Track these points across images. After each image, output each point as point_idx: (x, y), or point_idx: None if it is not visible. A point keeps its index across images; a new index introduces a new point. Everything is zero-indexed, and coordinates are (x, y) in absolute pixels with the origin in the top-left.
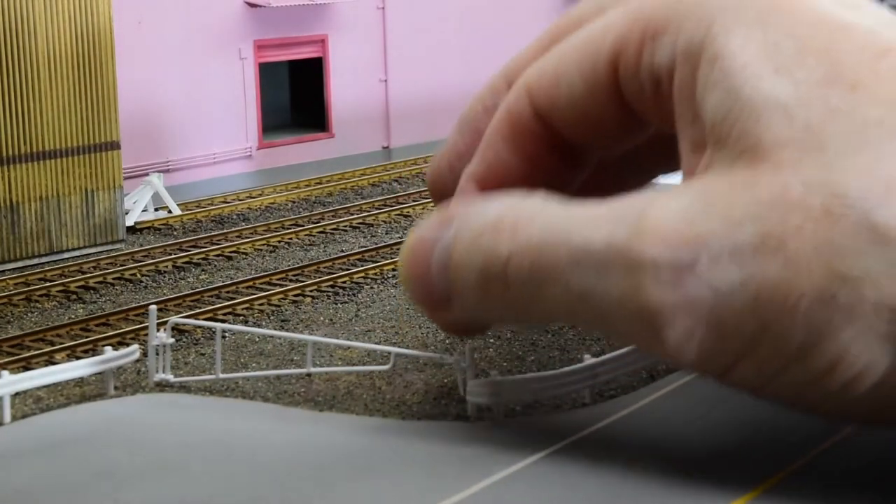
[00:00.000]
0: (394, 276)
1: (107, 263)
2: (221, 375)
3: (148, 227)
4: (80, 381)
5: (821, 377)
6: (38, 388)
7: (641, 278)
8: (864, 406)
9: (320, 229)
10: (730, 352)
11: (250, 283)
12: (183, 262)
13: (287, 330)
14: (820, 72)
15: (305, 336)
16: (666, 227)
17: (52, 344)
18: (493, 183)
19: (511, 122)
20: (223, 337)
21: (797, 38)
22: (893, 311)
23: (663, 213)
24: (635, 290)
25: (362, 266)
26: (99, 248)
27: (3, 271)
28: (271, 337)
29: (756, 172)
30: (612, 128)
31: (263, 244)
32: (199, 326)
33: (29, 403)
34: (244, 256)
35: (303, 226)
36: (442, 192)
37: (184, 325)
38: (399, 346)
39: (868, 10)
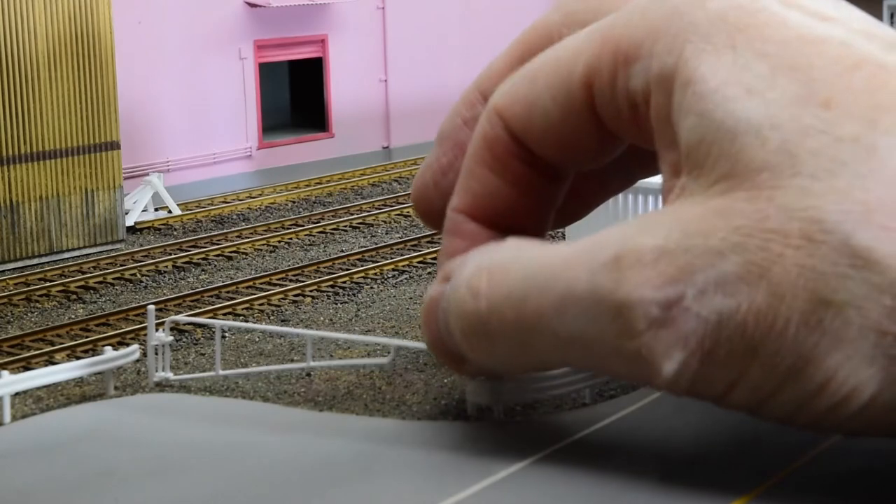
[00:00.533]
0: (394, 276)
1: (107, 263)
2: (221, 372)
3: (148, 227)
4: (80, 381)
5: (810, 399)
6: (38, 388)
7: (631, 320)
8: (855, 423)
9: (320, 229)
10: (724, 379)
11: (250, 283)
12: (183, 262)
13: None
14: (792, 90)
15: (305, 331)
16: (647, 268)
17: (52, 344)
18: (481, 212)
19: (489, 148)
20: (223, 336)
21: (768, 57)
22: (878, 333)
23: (641, 252)
24: (626, 332)
25: (362, 266)
26: (99, 248)
27: (3, 271)
28: (271, 336)
29: (731, 199)
30: (590, 147)
31: (263, 244)
32: (199, 325)
33: (29, 403)
34: (244, 256)
35: (303, 226)
36: (428, 210)
37: (183, 324)
38: (398, 346)
39: (841, 20)
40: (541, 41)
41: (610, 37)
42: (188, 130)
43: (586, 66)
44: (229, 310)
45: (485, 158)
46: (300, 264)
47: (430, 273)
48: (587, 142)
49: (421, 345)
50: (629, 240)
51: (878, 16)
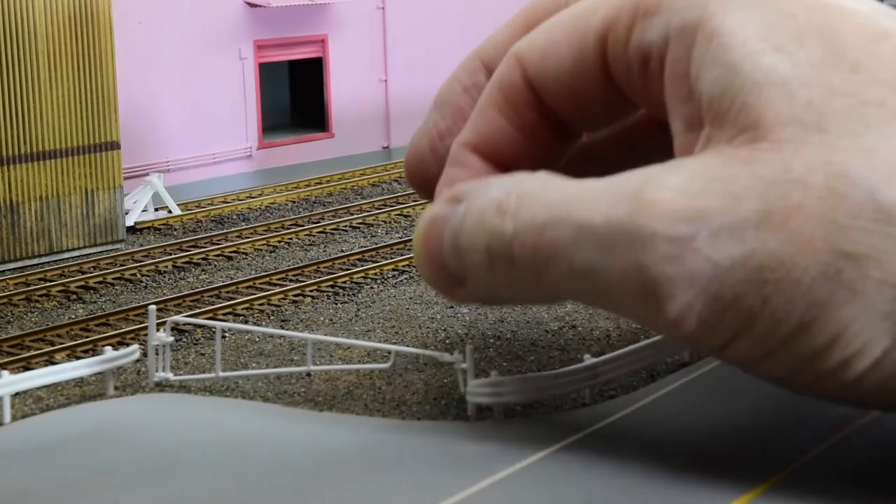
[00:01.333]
0: (394, 276)
1: (107, 263)
2: (221, 374)
3: (148, 227)
4: (80, 381)
5: (819, 354)
6: (38, 388)
7: (642, 252)
8: (860, 386)
9: (320, 229)
10: (729, 326)
11: (250, 283)
12: (183, 262)
13: (287, 330)
14: (820, 51)
15: (305, 334)
16: (665, 203)
17: (52, 344)
18: (485, 151)
19: (503, 91)
20: (223, 337)
21: (796, 18)
22: (895, 288)
23: (662, 189)
24: (636, 265)
25: (362, 266)
26: (99, 248)
27: (3, 271)
28: (271, 337)
29: (757, 149)
30: (599, 103)
31: (263, 244)
32: (199, 325)
33: (29, 403)
34: (244, 256)
35: (303, 226)
36: (424, 176)
37: (184, 324)
38: (398, 346)
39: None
40: (548, 9)
41: None
42: (188, 130)
43: (604, 17)
44: (229, 310)
45: (498, 101)
46: (300, 264)
47: None
48: (596, 97)
49: (421, 350)
50: (653, 177)
51: None
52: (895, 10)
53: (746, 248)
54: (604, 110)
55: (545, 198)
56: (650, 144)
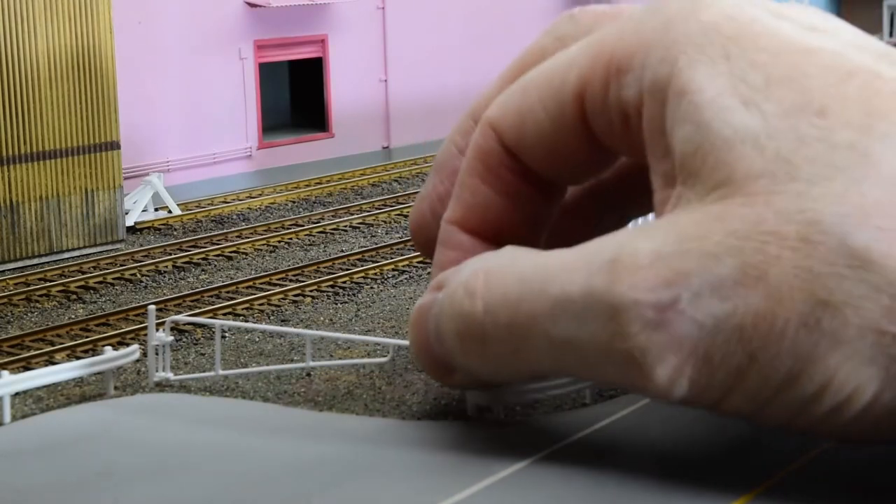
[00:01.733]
0: (394, 276)
1: (107, 263)
2: (221, 372)
3: (148, 227)
4: (80, 381)
5: (810, 402)
6: (38, 388)
7: (625, 322)
8: (856, 427)
9: (320, 229)
10: (719, 384)
11: (250, 283)
12: (183, 262)
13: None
14: (788, 100)
15: (304, 331)
16: (642, 269)
17: (52, 344)
18: (473, 224)
19: (482, 160)
20: (223, 337)
21: (763, 67)
22: (877, 333)
23: (638, 255)
24: (620, 335)
25: (362, 266)
26: (99, 248)
27: (3, 271)
28: (271, 336)
29: (728, 204)
30: (581, 159)
31: (263, 244)
32: (199, 324)
33: (29, 403)
34: (244, 256)
35: (303, 226)
36: (426, 239)
37: (184, 324)
38: (398, 346)
39: (832, 32)
40: (535, 65)
41: (603, 49)
42: (188, 130)
43: (579, 77)
44: (229, 310)
45: (478, 170)
46: (300, 264)
47: (429, 273)
48: (578, 153)
49: None
50: (626, 244)
51: (879, 16)
52: (867, 37)
53: (728, 305)
54: (586, 165)
55: (516, 272)
56: (635, 198)
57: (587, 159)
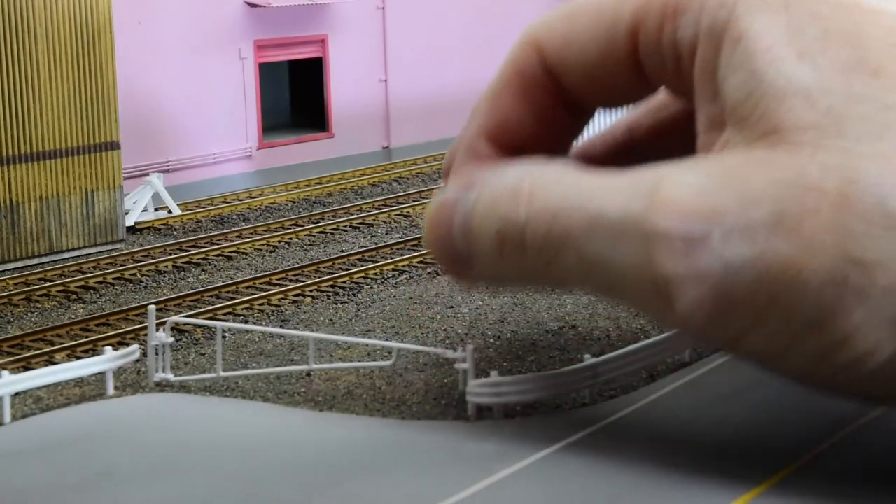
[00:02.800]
0: (394, 276)
1: (107, 263)
2: (223, 374)
3: (148, 227)
4: (80, 381)
5: (828, 354)
6: (38, 388)
7: (655, 248)
8: (872, 384)
9: (320, 229)
10: (738, 323)
11: (250, 283)
12: (183, 262)
13: (287, 329)
14: (843, 57)
15: (306, 333)
16: (681, 200)
17: (52, 344)
18: (500, 138)
19: (520, 76)
20: (223, 337)
21: (822, 19)
22: None
23: (679, 186)
24: (648, 259)
25: (362, 266)
26: (99, 248)
27: (3, 271)
28: (271, 336)
29: (774, 153)
30: (623, 89)
31: (263, 244)
32: (200, 326)
33: (29, 403)
34: (244, 256)
35: (303, 226)
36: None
37: (184, 325)
38: (401, 343)
39: None
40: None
41: None
42: (188, 130)
43: (633, 13)
44: (229, 310)
45: (514, 85)
46: (300, 264)
47: (429, 273)
48: (621, 84)
49: (422, 347)
50: (669, 174)
51: None
52: None
53: (757, 249)
54: (626, 94)
55: (560, 187)
56: (686, 141)
57: (629, 89)
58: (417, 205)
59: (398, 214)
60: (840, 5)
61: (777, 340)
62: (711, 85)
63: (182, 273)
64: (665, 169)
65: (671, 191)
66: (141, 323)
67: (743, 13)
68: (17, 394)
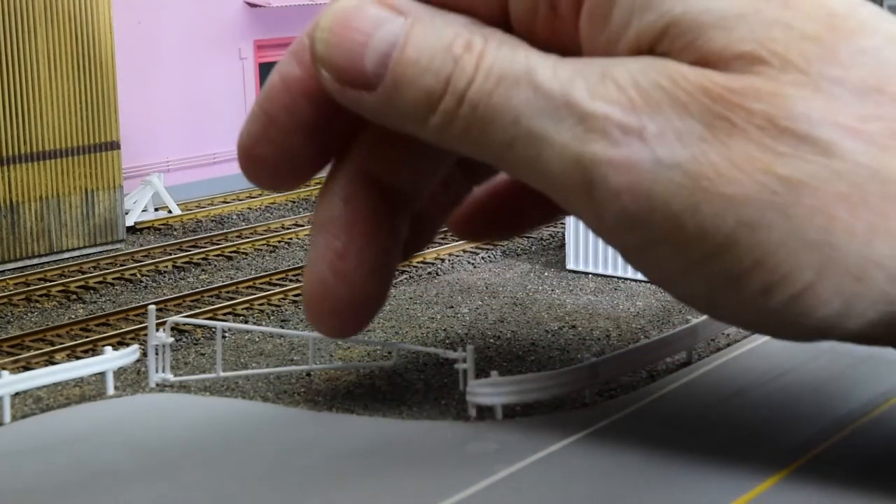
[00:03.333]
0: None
1: (107, 263)
2: (223, 374)
3: (148, 227)
4: (80, 381)
5: (740, 276)
6: (38, 388)
7: (591, 129)
8: (779, 318)
9: None
10: (651, 229)
11: (250, 283)
12: (183, 262)
13: (287, 329)
14: None
15: (306, 333)
16: (623, 93)
17: (52, 344)
18: None
19: None
20: (223, 337)
21: None
22: (827, 217)
23: (623, 79)
24: (581, 140)
25: None
26: (99, 248)
27: (3, 271)
28: (271, 336)
29: (703, 72)
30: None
31: (263, 244)
32: (200, 326)
33: (29, 403)
34: (244, 256)
35: (303, 226)
36: (332, 308)
37: (184, 325)
38: (401, 344)
39: None
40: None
41: None
42: (188, 130)
43: None
44: (229, 310)
45: None
46: (300, 264)
47: (429, 273)
48: (486, 17)
49: (423, 348)
50: (616, 65)
51: None
52: None
53: (688, 153)
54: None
55: (512, 52)
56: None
57: (493, 22)
58: None
59: None
60: None
61: (688, 256)
62: (604, 33)
63: (182, 273)
64: (611, 60)
65: (615, 78)
66: (141, 323)
67: None
68: (17, 394)
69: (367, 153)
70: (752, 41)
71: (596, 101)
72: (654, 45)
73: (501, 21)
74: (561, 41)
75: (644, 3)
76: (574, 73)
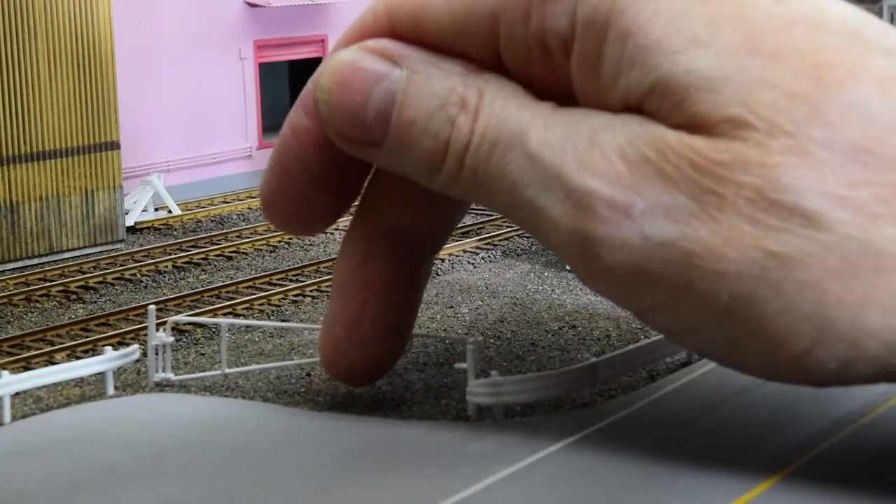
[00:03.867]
0: None
1: (107, 263)
2: (227, 370)
3: (148, 227)
4: (80, 381)
5: (745, 339)
6: (38, 388)
7: (582, 205)
8: (787, 374)
9: None
10: (651, 297)
11: (250, 283)
12: (183, 262)
13: (291, 324)
14: (737, 39)
15: (308, 325)
16: (610, 165)
17: (52, 344)
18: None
19: (367, 33)
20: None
21: (706, 5)
22: (819, 291)
23: (610, 147)
24: (569, 216)
25: None
26: (99, 248)
27: (3, 271)
28: (271, 336)
29: (692, 140)
30: (480, 61)
31: (263, 244)
32: (201, 325)
33: (29, 403)
34: (244, 256)
35: None
36: (348, 368)
37: (184, 324)
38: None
39: None
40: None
41: None
42: (188, 130)
43: None
44: (229, 310)
45: (359, 34)
46: (300, 264)
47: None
48: (479, 56)
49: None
50: (605, 130)
51: (879, 16)
52: None
53: (678, 230)
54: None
55: (502, 111)
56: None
57: (487, 63)
58: None
59: None
60: None
61: (688, 321)
62: (595, 79)
63: (182, 273)
64: (601, 120)
65: (602, 150)
66: (141, 323)
67: (626, 6)
68: (17, 394)
69: (384, 204)
70: (737, 104)
71: (583, 174)
72: (643, 102)
73: (496, 63)
74: (556, 81)
75: (630, 59)
76: (564, 137)
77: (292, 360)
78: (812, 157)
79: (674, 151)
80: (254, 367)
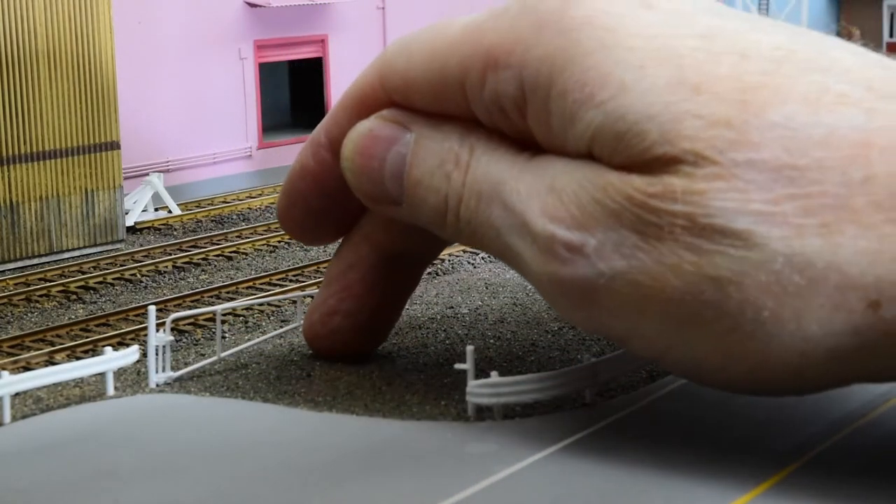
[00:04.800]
0: None
1: (107, 263)
2: (222, 355)
3: (148, 227)
4: (80, 382)
5: (702, 359)
6: (38, 388)
7: (542, 250)
8: (744, 384)
9: None
10: (619, 327)
11: (250, 283)
12: (183, 262)
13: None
14: (664, 77)
15: (296, 293)
16: (566, 209)
17: (52, 344)
18: (338, 146)
19: (363, 101)
20: (223, 337)
21: (636, 50)
22: (755, 308)
23: (566, 192)
24: (537, 260)
25: None
26: (99, 248)
27: (3, 271)
28: (271, 336)
29: (629, 178)
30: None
31: (263, 244)
32: (198, 315)
33: (29, 403)
34: (244, 256)
35: None
36: (322, 345)
37: (184, 322)
38: (398, 346)
39: (701, 11)
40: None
41: (481, 39)
42: (188, 130)
43: (460, 66)
44: (229, 310)
45: (356, 109)
46: (300, 264)
47: (429, 273)
48: (461, 114)
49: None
50: (559, 176)
51: (879, 16)
52: (730, 9)
53: (626, 263)
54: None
55: (491, 164)
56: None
57: (477, 121)
58: None
59: None
60: (651, 36)
61: (656, 345)
62: (549, 131)
63: (182, 273)
64: (560, 166)
65: (558, 195)
66: (141, 323)
67: (564, 66)
68: (17, 394)
69: (381, 228)
70: (663, 142)
71: (544, 219)
72: (590, 149)
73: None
74: (524, 134)
75: (571, 115)
76: (531, 186)
77: (291, 360)
78: (737, 179)
79: (616, 190)
80: (250, 343)
